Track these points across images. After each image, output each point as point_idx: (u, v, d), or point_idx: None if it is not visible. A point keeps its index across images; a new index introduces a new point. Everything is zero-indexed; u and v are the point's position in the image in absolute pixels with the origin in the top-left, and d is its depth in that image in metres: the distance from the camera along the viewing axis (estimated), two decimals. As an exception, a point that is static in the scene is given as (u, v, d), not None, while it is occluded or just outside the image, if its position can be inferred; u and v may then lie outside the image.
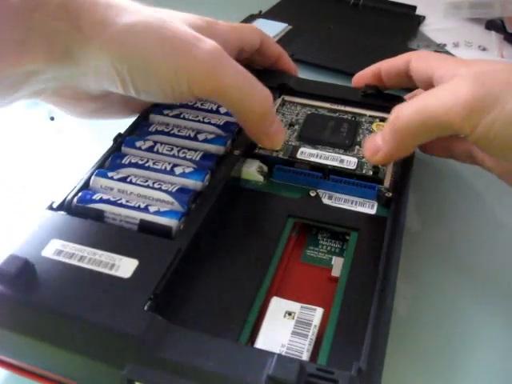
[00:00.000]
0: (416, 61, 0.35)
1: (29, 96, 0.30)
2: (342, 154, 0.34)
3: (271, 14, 0.65)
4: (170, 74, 0.28)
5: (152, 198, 0.30)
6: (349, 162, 0.33)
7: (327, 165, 0.33)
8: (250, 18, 0.64)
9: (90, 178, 0.31)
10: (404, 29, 0.63)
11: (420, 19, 0.64)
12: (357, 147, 0.34)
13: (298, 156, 0.33)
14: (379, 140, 0.31)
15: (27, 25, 0.26)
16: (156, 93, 0.29)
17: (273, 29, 0.61)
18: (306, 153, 0.34)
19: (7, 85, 0.27)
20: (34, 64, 0.27)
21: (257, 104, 0.30)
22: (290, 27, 0.60)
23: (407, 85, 0.36)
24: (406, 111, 0.29)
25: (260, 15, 0.65)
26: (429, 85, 0.33)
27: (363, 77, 0.38)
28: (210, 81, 0.29)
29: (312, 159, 0.33)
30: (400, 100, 0.37)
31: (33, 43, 0.27)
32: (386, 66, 0.37)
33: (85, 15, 0.27)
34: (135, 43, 0.28)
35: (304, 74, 0.40)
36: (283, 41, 0.57)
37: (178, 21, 0.30)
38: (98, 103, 0.33)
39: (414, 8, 0.65)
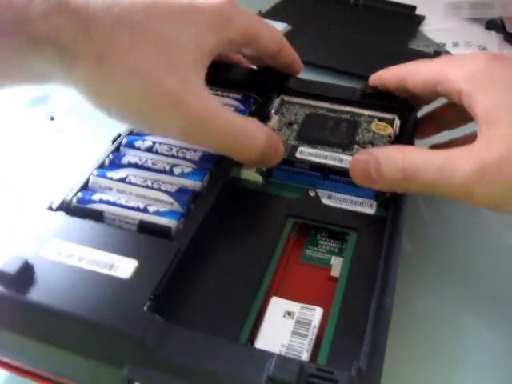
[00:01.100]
0: (410, 77, 0.34)
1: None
2: (341, 154, 0.34)
3: (271, 14, 0.65)
4: (145, 129, 0.31)
5: (151, 198, 0.30)
6: (348, 161, 0.33)
7: (326, 164, 0.33)
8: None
9: (89, 178, 0.31)
10: (404, 29, 0.63)
11: (420, 19, 0.64)
12: (356, 146, 0.34)
13: (297, 155, 0.33)
14: (375, 175, 0.29)
15: (19, 64, 0.26)
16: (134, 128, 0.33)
17: (273, 29, 0.61)
18: (305, 152, 0.34)
19: None
20: (14, 85, 0.27)
21: (239, 155, 0.31)
22: (290, 27, 0.60)
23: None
24: (416, 183, 0.28)
25: (260, 15, 0.65)
26: (433, 95, 0.34)
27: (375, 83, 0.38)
28: (185, 140, 0.31)
29: (311, 158, 0.33)
30: (398, 99, 0.37)
31: (17, 77, 0.27)
32: (389, 75, 0.37)
33: (78, 65, 0.26)
34: (117, 99, 0.28)
35: (304, 73, 0.40)
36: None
37: (173, 67, 0.28)
38: None
39: (413, 8, 0.65)
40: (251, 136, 0.30)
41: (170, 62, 0.28)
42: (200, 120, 0.28)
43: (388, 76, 0.36)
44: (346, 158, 0.33)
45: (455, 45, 0.59)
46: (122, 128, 0.35)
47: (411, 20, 0.64)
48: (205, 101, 0.29)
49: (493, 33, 0.61)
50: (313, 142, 0.35)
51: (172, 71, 0.28)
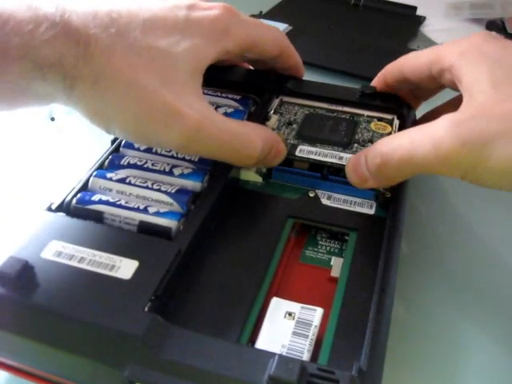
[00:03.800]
0: (407, 66, 0.35)
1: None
2: (341, 152, 0.34)
3: (272, 15, 0.65)
4: (144, 143, 0.32)
5: (151, 198, 0.30)
6: (347, 159, 0.33)
7: (326, 162, 0.33)
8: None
9: (88, 179, 0.31)
10: (404, 29, 0.63)
11: (420, 20, 0.64)
12: (355, 145, 0.34)
13: (297, 153, 0.33)
14: (365, 170, 0.30)
15: (23, 89, 0.26)
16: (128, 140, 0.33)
17: (273, 29, 0.61)
18: (305, 150, 0.34)
19: None
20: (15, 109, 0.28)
21: (237, 161, 0.31)
22: (291, 28, 0.60)
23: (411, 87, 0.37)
24: (392, 161, 0.28)
25: (260, 15, 0.65)
26: (431, 80, 0.34)
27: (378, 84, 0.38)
28: (184, 152, 0.32)
29: (311, 156, 0.33)
30: (397, 100, 0.37)
31: (20, 101, 0.27)
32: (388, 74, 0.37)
33: (77, 87, 0.27)
34: (114, 117, 0.28)
35: (304, 74, 0.40)
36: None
37: (168, 81, 0.28)
38: None
39: (414, 8, 0.65)
40: (248, 143, 0.30)
41: (165, 75, 0.28)
42: (197, 133, 0.28)
43: (389, 70, 0.37)
44: (346, 156, 0.33)
45: (455, 45, 0.59)
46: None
47: (412, 20, 0.64)
48: (201, 113, 0.28)
49: (493, 33, 0.61)
50: (312, 141, 0.35)
51: (167, 85, 0.28)
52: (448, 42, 0.33)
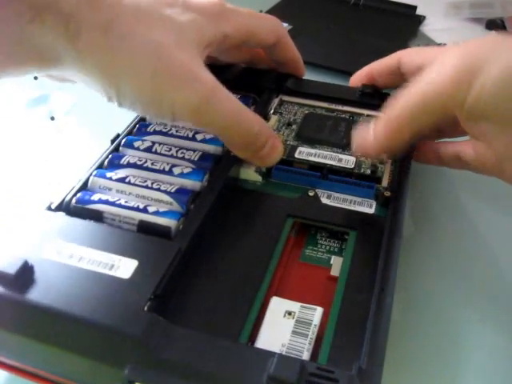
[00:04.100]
0: (406, 57, 0.35)
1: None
2: (340, 153, 0.34)
3: (271, 14, 0.64)
4: (155, 107, 0.29)
5: (151, 198, 0.30)
6: (347, 160, 0.33)
7: (325, 164, 0.33)
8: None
9: (88, 178, 0.31)
10: (404, 29, 0.62)
11: (420, 19, 0.64)
12: (355, 146, 0.34)
13: (296, 155, 0.33)
14: (370, 131, 0.31)
15: (21, 39, 0.26)
16: (138, 113, 0.32)
17: (273, 29, 0.61)
18: (304, 152, 0.34)
19: None
20: (23, 70, 0.27)
21: (237, 138, 0.31)
22: (291, 27, 0.60)
23: (400, 83, 0.36)
24: (399, 100, 0.29)
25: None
26: None
27: (358, 78, 0.38)
28: (195, 121, 0.30)
29: (310, 158, 0.33)
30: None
31: (24, 57, 0.26)
32: (378, 67, 0.37)
33: (86, 32, 0.26)
34: (128, 73, 0.27)
35: (305, 73, 0.40)
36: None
37: (182, 43, 0.29)
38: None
39: (414, 8, 0.65)
40: (248, 120, 0.30)
41: (177, 38, 0.28)
42: (212, 97, 0.28)
43: (380, 65, 0.37)
44: (345, 157, 0.33)
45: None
46: (121, 128, 0.35)
47: (411, 20, 0.64)
48: (213, 80, 0.29)
49: (493, 33, 0.61)
50: (312, 142, 0.35)
51: (179, 47, 0.28)
52: (451, 46, 0.32)
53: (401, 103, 0.29)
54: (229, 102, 0.29)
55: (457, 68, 0.27)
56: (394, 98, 0.30)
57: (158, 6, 0.29)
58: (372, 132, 0.31)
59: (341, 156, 0.33)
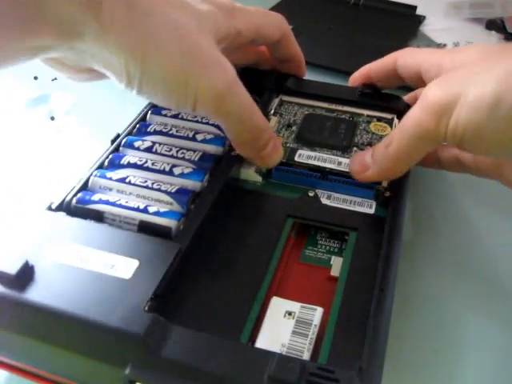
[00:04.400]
0: (402, 58, 0.35)
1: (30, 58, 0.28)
2: (340, 156, 0.34)
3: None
4: (179, 90, 0.28)
5: (151, 198, 0.30)
6: (346, 164, 0.33)
7: (325, 167, 0.33)
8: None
9: (88, 178, 0.31)
10: (404, 29, 0.62)
11: (420, 19, 0.64)
12: (354, 149, 0.34)
13: (296, 159, 0.33)
14: (368, 159, 0.31)
15: (39, 5, 0.24)
16: (157, 99, 0.29)
17: (273, 29, 0.61)
18: (304, 155, 0.34)
19: (11, 57, 0.26)
20: (39, 41, 0.25)
21: (247, 132, 0.31)
22: (291, 27, 0.60)
23: (398, 84, 0.36)
24: (395, 136, 0.29)
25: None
26: (418, 80, 0.33)
27: (357, 78, 0.38)
28: (216, 105, 0.29)
29: (310, 162, 0.33)
30: (397, 99, 0.37)
31: (41, 24, 0.25)
32: (375, 68, 0.37)
33: (109, 6, 0.25)
34: (155, 51, 0.27)
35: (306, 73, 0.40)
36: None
37: (203, 29, 0.29)
38: (95, 77, 0.32)
39: (414, 8, 0.65)
40: (258, 115, 0.31)
41: (198, 24, 0.28)
42: (234, 87, 0.29)
43: (377, 66, 0.37)
44: (345, 161, 0.33)
45: (456, 45, 0.59)
46: (121, 128, 0.35)
47: (412, 20, 0.64)
48: (235, 71, 0.29)
49: (493, 33, 0.61)
50: (311, 145, 0.35)
51: (201, 33, 0.28)
52: (450, 51, 0.32)
53: (398, 141, 0.29)
54: (246, 94, 0.30)
55: (434, 99, 0.27)
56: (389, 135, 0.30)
57: None
58: (369, 160, 0.31)
59: (340, 159, 0.33)
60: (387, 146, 0.30)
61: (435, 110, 0.27)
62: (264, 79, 0.39)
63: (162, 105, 0.31)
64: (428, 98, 0.27)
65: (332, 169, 0.33)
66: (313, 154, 0.34)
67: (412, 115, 0.28)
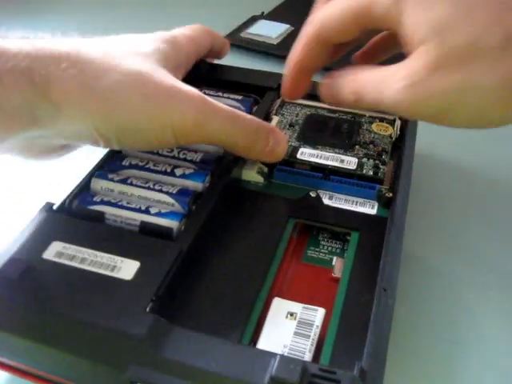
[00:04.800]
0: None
1: None
2: (342, 154, 0.34)
3: (273, 15, 0.65)
4: (157, 133, 0.28)
5: (153, 199, 0.30)
6: (349, 162, 0.33)
7: (327, 165, 0.33)
8: (252, 20, 0.64)
9: (90, 179, 0.31)
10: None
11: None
12: (357, 147, 0.34)
13: (298, 156, 0.33)
14: (335, 93, 0.30)
15: None
16: (140, 146, 0.30)
17: (275, 30, 0.61)
18: (306, 153, 0.34)
19: None
20: None
21: (242, 140, 0.30)
22: (292, 28, 0.60)
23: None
24: (364, 101, 0.28)
25: (262, 16, 0.65)
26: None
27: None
28: (197, 133, 0.29)
29: (312, 159, 0.33)
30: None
31: None
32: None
33: (56, 83, 0.25)
34: (119, 106, 0.27)
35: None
36: (285, 42, 0.57)
37: (157, 68, 0.29)
38: (69, 149, 0.32)
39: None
40: (247, 120, 0.30)
41: (151, 65, 0.29)
42: (205, 108, 0.29)
43: (302, 48, 0.32)
44: (348, 159, 0.33)
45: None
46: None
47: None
48: (199, 92, 0.29)
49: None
50: (314, 143, 0.35)
51: (155, 71, 0.28)
52: None
53: (370, 100, 0.28)
54: (220, 108, 0.29)
55: None
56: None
57: (114, 43, 0.29)
58: (336, 94, 0.30)
59: (343, 157, 0.33)
60: (358, 98, 0.29)
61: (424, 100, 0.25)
62: (265, 80, 0.39)
63: (147, 149, 0.32)
64: (415, 86, 0.25)
65: (334, 166, 0.33)
66: (315, 152, 0.34)
67: (393, 94, 0.26)
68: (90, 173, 0.31)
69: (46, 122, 0.26)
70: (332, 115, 0.37)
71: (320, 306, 0.26)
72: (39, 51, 0.26)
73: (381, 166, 0.33)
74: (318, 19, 0.30)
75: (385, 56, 0.34)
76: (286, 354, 0.24)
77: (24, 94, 0.25)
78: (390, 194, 0.32)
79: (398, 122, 0.36)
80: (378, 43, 0.34)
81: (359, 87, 0.28)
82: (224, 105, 0.30)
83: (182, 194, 0.30)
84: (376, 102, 0.27)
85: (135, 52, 0.29)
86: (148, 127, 0.28)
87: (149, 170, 0.31)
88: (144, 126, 0.28)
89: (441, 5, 0.24)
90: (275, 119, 0.37)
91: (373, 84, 0.27)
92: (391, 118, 0.37)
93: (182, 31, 0.35)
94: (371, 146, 0.35)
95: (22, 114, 0.25)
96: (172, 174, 0.31)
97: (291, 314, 0.26)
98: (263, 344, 0.24)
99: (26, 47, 0.25)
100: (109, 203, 0.29)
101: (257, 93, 0.38)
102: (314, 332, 0.25)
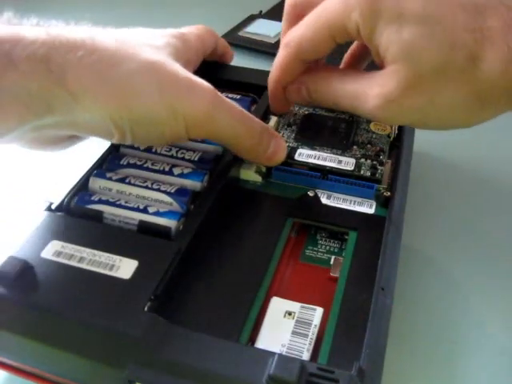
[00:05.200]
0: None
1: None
2: (340, 155, 0.34)
3: (272, 14, 0.65)
4: (170, 124, 0.28)
5: (151, 198, 0.30)
6: (347, 162, 0.33)
7: (325, 166, 0.33)
8: (250, 18, 0.64)
9: (88, 178, 0.31)
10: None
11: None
12: (354, 147, 0.34)
13: (296, 157, 0.33)
14: (306, 96, 0.33)
15: None
16: (151, 140, 0.30)
17: (273, 29, 0.61)
18: (304, 154, 0.34)
19: None
20: (4, 125, 0.25)
21: (247, 140, 0.31)
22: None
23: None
24: (339, 105, 0.31)
25: (260, 15, 0.65)
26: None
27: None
28: (207, 126, 0.29)
29: (310, 160, 0.33)
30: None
31: (4, 105, 0.24)
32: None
33: (72, 71, 0.25)
34: (136, 95, 0.27)
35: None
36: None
37: (170, 60, 0.29)
38: (76, 140, 0.32)
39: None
40: (251, 119, 0.31)
41: (164, 57, 0.29)
42: (217, 102, 0.29)
43: (282, 70, 0.33)
44: (345, 159, 0.33)
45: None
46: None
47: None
48: (211, 85, 0.29)
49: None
50: (312, 144, 0.35)
51: (169, 62, 0.29)
52: None
53: (345, 105, 0.31)
54: (230, 104, 0.30)
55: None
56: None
57: (128, 34, 0.30)
58: (307, 96, 0.33)
59: (340, 158, 0.33)
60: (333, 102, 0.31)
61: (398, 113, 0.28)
62: (263, 79, 0.39)
63: (159, 143, 0.32)
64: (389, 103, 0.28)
65: (332, 167, 0.33)
66: (313, 152, 0.34)
67: (369, 108, 0.29)
68: (88, 172, 0.31)
69: (61, 111, 0.26)
70: (330, 114, 0.37)
71: (318, 305, 0.26)
72: (56, 39, 0.25)
73: (378, 167, 0.33)
74: (294, 42, 0.31)
75: (364, 64, 0.36)
76: (284, 353, 0.24)
77: (40, 82, 0.25)
78: (388, 193, 0.32)
79: (396, 122, 0.36)
80: (355, 55, 0.36)
81: (334, 99, 0.31)
82: (230, 100, 0.30)
83: (180, 193, 0.30)
84: (352, 111, 0.31)
85: (149, 44, 0.29)
86: (162, 115, 0.28)
87: (147, 169, 0.31)
88: (158, 114, 0.28)
89: (409, 27, 0.27)
90: (273, 119, 0.37)
91: (347, 100, 0.30)
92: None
93: (189, 29, 0.35)
94: (369, 145, 0.35)
95: (37, 102, 0.25)
96: (170, 173, 0.31)
97: (289, 314, 0.26)
98: (261, 343, 0.24)
99: (42, 35, 0.25)
100: (107, 202, 0.29)
101: (255, 92, 0.38)
102: (312, 331, 0.25)
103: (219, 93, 0.29)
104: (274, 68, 0.33)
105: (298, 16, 0.32)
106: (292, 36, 0.31)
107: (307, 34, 0.30)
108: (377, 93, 0.28)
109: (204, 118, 0.28)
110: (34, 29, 0.26)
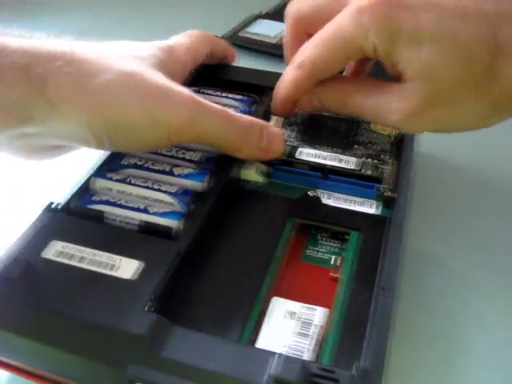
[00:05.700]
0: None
1: None
2: (341, 154, 0.34)
3: (272, 15, 0.65)
4: (150, 130, 0.28)
5: (152, 198, 0.30)
6: (348, 161, 0.33)
7: (326, 165, 0.33)
8: (250, 19, 0.64)
9: (89, 179, 0.31)
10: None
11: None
12: (355, 146, 0.34)
13: (297, 156, 0.33)
14: (318, 106, 0.33)
15: None
16: (135, 147, 0.30)
17: (274, 29, 0.61)
18: (305, 153, 0.34)
19: None
20: None
21: (235, 137, 0.31)
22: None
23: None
24: (362, 116, 0.32)
25: (261, 16, 0.65)
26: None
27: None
28: (190, 131, 0.29)
29: (311, 159, 0.33)
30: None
31: None
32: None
33: (51, 81, 0.26)
34: (113, 104, 0.27)
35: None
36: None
37: (151, 70, 0.29)
38: (62, 150, 0.32)
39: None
40: (238, 117, 0.31)
41: (145, 67, 0.29)
42: (198, 107, 0.29)
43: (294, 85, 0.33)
44: (346, 158, 0.33)
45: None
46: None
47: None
48: (190, 91, 0.29)
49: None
50: (312, 143, 0.35)
51: (149, 72, 0.29)
52: (349, 13, 0.29)
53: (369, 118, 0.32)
54: (211, 105, 0.30)
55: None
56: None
57: (109, 47, 0.30)
58: (320, 107, 0.33)
59: (341, 157, 0.33)
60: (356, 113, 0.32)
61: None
62: (265, 79, 0.39)
63: (139, 150, 0.32)
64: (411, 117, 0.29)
65: (333, 166, 0.33)
66: (313, 151, 0.34)
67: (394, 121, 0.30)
68: (89, 172, 0.31)
69: (41, 120, 0.26)
70: (331, 114, 0.37)
71: (319, 305, 0.26)
72: (37, 49, 0.26)
73: (380, 166, 0.33)
74: (308, 63, 0.31)
75: (369, 68, 0.37)
76: (285, 353, 0.24)
77: (21, 91, 0.25)
78: (389, 193, 0.32)
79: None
80: (361, 61, 0.36)
81: (355, 111, 0.32)
82: (215, 104, 0.30)
83: (181, 193, 0.30)
84: (372, 121, 0.35)
85: (130, 55, 0.30)
86: (142, 125, 0.28)
87: (148, 169, 0.31)
88: (138, 123, 0.28)
89: (426, 46, 0.28)
90: (274, 119, 0.37)
91: (368, 112, 0.31)
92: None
93: (180, 40, 0.35)
94: (370, 145, 0.35)
95: (19, 110, 0.26)
96: (171, 173, 0.31)
97: (290, 314, 0.26)
98: (262, 343, 0.24)
99: (24, 45, 0.26)
100: (108, 202, 0.29)
101: (256, 92, 0.38)
102: (314, 331, 0.25)
103: (198, 97, 0.29)
104: (286, 86, 0.33)
105: (303, 29, 0.34)
106: (306, 56, 0.31)
107: (322, 54, 0.31)
108: (398, 108, 0.29)
109: (187, 124, 0.29)
110: (17, 39, 0.26)
